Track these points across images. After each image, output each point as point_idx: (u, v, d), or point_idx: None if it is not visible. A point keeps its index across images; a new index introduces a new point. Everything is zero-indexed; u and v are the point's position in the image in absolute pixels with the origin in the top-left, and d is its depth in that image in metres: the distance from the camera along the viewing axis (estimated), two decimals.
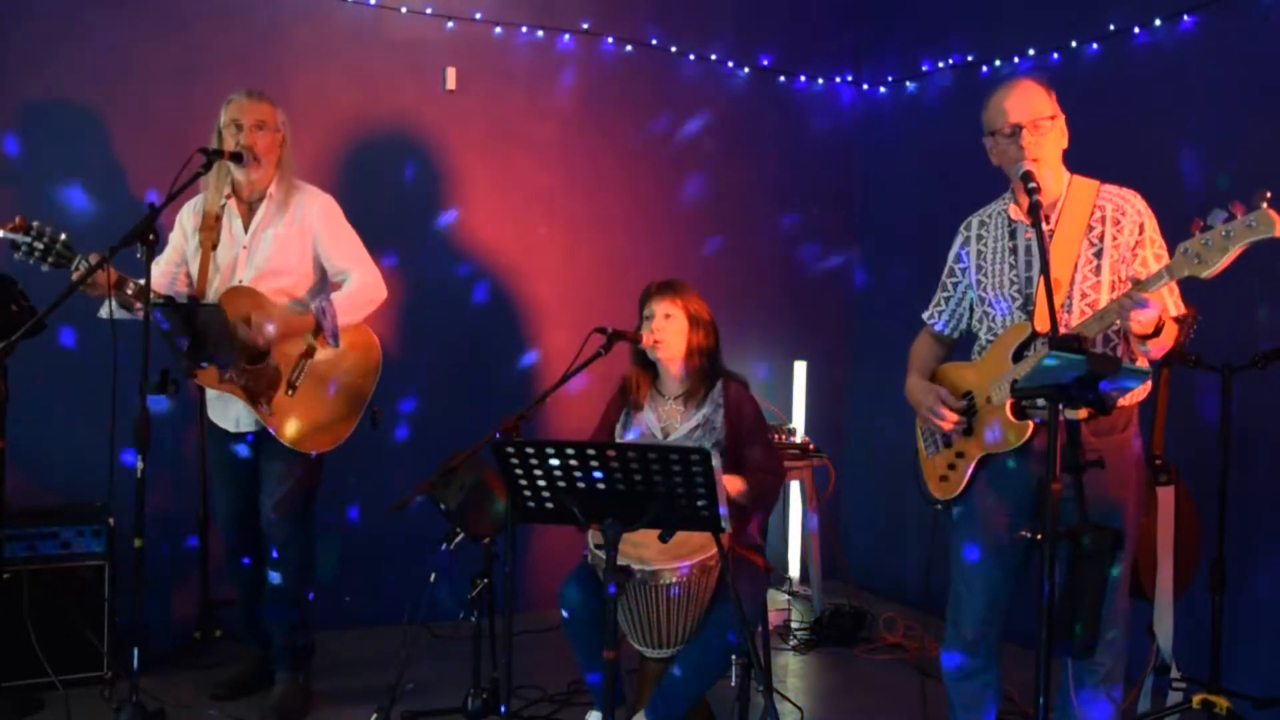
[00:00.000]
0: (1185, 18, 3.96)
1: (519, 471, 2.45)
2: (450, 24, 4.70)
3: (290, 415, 3.42)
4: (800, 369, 5.30)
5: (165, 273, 3.54)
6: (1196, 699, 3.21)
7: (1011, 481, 2.68)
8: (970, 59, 4.90)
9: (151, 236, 2.96)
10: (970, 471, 2.74)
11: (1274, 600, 3.65)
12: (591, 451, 2.36)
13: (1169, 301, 2.54)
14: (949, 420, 2.74)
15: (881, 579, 5.28)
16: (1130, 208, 2.63)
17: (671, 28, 5.11)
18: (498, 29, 4.79)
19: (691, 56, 5.17)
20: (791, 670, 4.24)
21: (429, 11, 4.66)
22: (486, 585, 3.15)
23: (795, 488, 5.12)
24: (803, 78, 5.44)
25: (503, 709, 2.98)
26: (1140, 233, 2.61)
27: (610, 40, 5.00)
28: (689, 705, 3.06)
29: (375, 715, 3.44)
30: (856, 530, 5.53)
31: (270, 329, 3.35)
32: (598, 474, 2.38)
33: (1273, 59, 3.70)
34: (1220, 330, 3.42)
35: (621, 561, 2.70)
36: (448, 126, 4.71)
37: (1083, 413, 2.18)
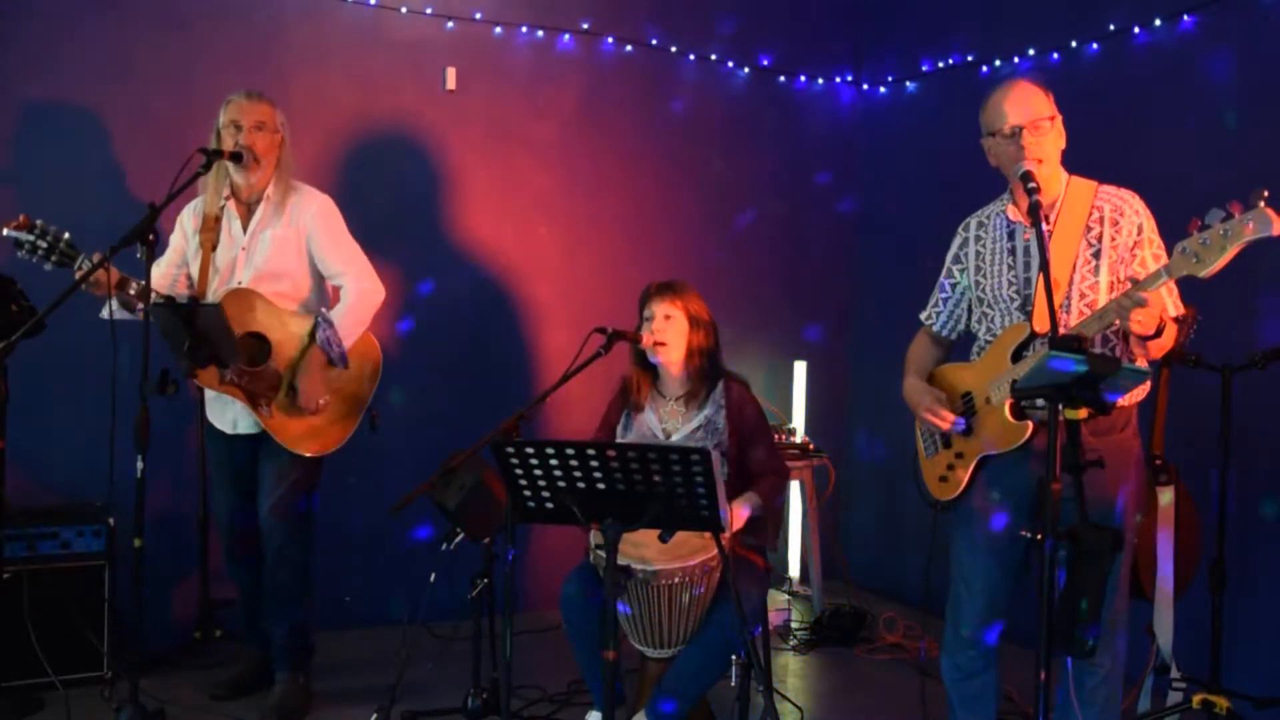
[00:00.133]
0: (1185, 18, 3.96)
1: (519, 471, 2.45)
2: (450, 24, 4.70)
3: (289, 417, 3.42)
4: (800, 369, 5.30)
5: (166, 274, 3.54)
6: (1196, 699, 3.22)
7: (1011, 482, 2.69)
8: (970, 59, 4.90)
9: (151, 237, 2.96)
10: (969, 472, 2.74)
11: (1274, 600, 3.65)
12: (591, 452, 2.36)
13: (1168, 301, 2.54)
14: (946, 421, 2.74)
15: (881, 579, 5.28)
16: (1128, 208, 2.64)
17: (671, 28, 5.11)
18: (498, 29, 4.79)
19: (691, 56, 5.17)
20: (791, 670, 4.24)
21: (429, 11, 4.66)
22: (486, 585, 3.15)
23: (795, 488, 5.11)
24: (803, 78, 5.44)
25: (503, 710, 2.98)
26: (1139, 233, 2.61)
27: (610, 40, 5.00)
28: (689, 705, 3.06)
29: (375, 715, 3.44)
30: (856, 530, 5.53)
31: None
32: (598, 474, 2.38)
33: (1273, 59, 3.70)
34: (1220, 330, 3.43)
35: (622, 561, 2.70)
36: (448, 126, 4.71)
37: (1082, 412, 2.18)
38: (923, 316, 3.03)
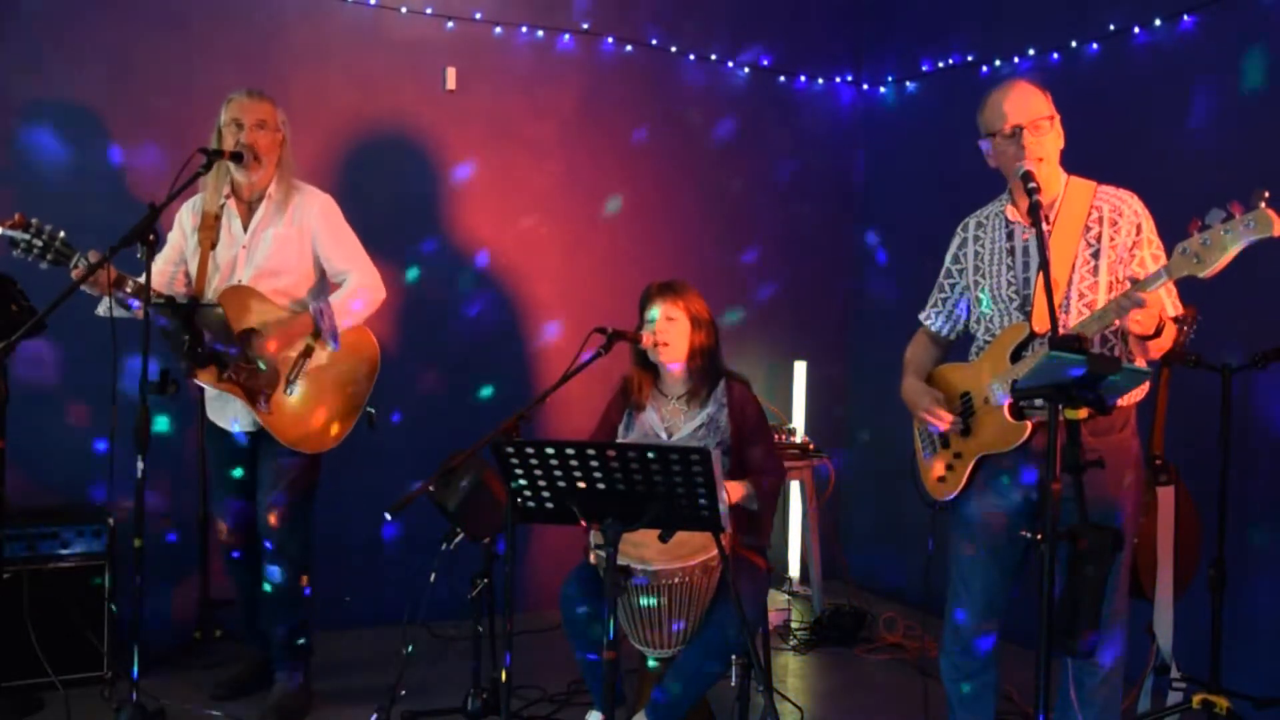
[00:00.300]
0: (1185, 18, 3.96)
1: (519, 471, 2.45)
2: (450, 24, 4.70)
3: (288, 415, 3.42)
4: (800, 369, 5.30)
5: (164, 272, 3.54)
6: (1196, 699, 3.21)
7: (1010, 482, 2.68)
8: (970, 59, 4.90)
9: (152, 237, 2.96)
10: (968, 472, 2.74)
11: (1274, 600, 3.65)
12: (591, 452, 2.36)
13: (1167, 302, 2.54)
14: (944, 421, 2.74)
15: (881, 579, 5.28)
16: (1127, 208, 2.63)
17: (671, 28, 5.11)
18: (498, 29, 4.79)
19: (691, 56, 5.17)
20: (791, 670, 4.24)
21: (429, 11, 4.66)
22: (486, 585, 3.15)
23: (795, 488, 5.12)
24: (803, 78, 5.44)
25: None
26: (1138, 233, 2.61)
27: (610, 40, 5.00)
28: (689, 705, 3.06)
29: (375, 715, 3.44)
30: (856, 530, 5.53)
31: (271, 345, 3.37)
32: (598, 474, 2.38)
33: (1273, 59, 3.70)
34: (1220, 330, 3.43)
35: (622, 561, 2.70)
36: (448, 126, 4.71)
37: (1082, 413, 2.18)
38: (921, 316, 3.03)
